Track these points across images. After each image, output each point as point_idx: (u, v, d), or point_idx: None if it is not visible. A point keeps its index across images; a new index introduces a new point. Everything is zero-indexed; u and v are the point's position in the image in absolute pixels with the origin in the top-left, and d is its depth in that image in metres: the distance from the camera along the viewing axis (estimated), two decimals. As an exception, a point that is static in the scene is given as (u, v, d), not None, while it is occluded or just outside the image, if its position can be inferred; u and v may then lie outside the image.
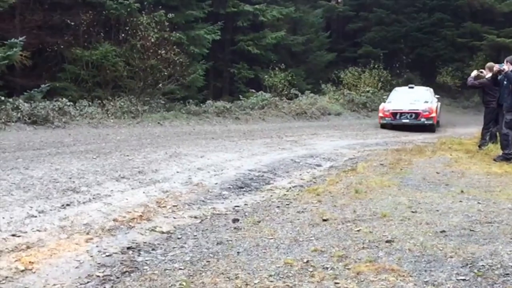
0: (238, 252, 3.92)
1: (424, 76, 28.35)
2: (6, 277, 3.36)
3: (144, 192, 5.94)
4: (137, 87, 18.20)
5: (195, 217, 5.07)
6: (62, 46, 16.90)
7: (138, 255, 3.87)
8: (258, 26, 24.14)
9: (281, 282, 3.33)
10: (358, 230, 4.49)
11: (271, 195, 6.18)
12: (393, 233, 4.38)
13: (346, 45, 30.98)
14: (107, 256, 3.84)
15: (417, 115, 16.42)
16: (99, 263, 3.70)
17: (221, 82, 24.31)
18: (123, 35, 18.13)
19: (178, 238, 4.33)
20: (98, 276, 3.46)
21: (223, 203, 5.75)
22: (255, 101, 20.12)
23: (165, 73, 18.23)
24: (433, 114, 16.48)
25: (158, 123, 15.51)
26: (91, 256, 3.83)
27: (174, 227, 4.70)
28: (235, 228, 4.64)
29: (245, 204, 5.68)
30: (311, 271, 3.51)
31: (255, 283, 3.30)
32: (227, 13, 22.46)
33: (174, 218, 5.01)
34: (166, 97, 18.87)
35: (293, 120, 19.16)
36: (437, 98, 18.15)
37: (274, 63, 23.32)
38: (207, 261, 3.72)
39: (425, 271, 3.53)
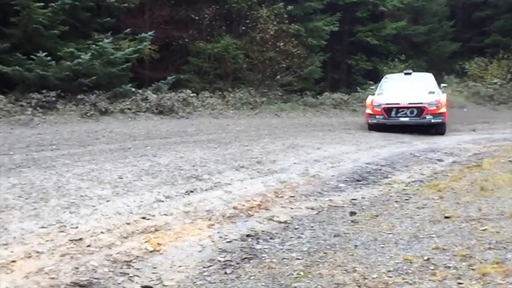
0: (355, 246, 3.89)
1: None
2: (137, 256, 3.62)
3: (262, 182, 6.08)
4: (256, 79, 18.61)
5: (312, 209, 5.10)
6: (186, 40, 17.76)
7: (257, 243, 3.98)
8: (378, 16, 23.55)
9: (400, 278, 3.26)
10: (483, 230, 4.25)
11: (389, 189, 6.04)
12: (523, 235, 4.09)
13: (471, 34, 29.10)
14: (227, 242, 4.00)
15: (420, 111, 12.01)
16: (220, 249, 3.85)
17: (339, 73, 24.11)
18: (243, 28, 18.61)
19: (295, 229, 4.39)
20: (220, 260, 3.61)
21: (339, 195, 5.72)
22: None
23: (283, 65, 18.47)
24: (443, 109, 12.09)
25: (276, 114, 15.76)
26: (213, 241, 4.00)
27: (291, 217, 4.76)
28: (352, 221, 4.61)
29: (362, 198, 5.61)
30: (432, 269, 3.40)
31: (373, 278, 3.26)
32: (346, 3, 22.16)
33: (291, 208, 5.08)
34: (284, 89, 19.12)
35: (413, 112, 18.47)
36: (444, 87, 14.11)
37: (394, 54, 22.69)
38: (324, 253, 3.74)
39: (560, 277, 3.27)
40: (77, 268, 3.31)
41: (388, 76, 15.06)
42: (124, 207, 4.71)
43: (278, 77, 18.54)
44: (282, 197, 5.47)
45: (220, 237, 4.10)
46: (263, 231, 4.30)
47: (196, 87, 17.02)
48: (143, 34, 14.99)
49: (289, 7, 18.93)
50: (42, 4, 12.48)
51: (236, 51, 18.23)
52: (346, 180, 6.42)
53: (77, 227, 4.08)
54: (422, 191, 5.89)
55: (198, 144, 8.78)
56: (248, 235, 4.16)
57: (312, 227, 4.43)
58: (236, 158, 7.48)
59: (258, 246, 3.91)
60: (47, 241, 3.75)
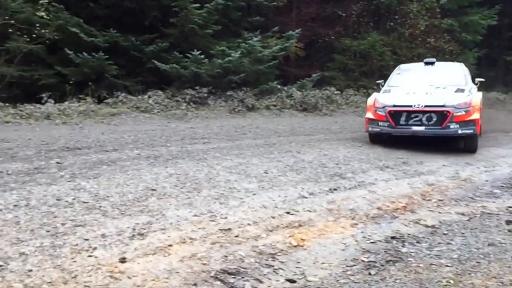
0: (512, 257, 3.61)
1: None
2: (281, 250, 3.70)
3: (408, 183, 5.90)
4: (403, 77, 18.00)
5: (463, 214, 4.82)
6: (332, 37, 17.71)
7: (402, 246, 3.86)
8: (546, 7, 21.54)
9: None
10: None
11: (553, 199, 5.50)
12: None
13: None
14: (371, 242, 3.93)
15: (441, 117, 8.20)
16: (363, 249, 3.80)
17: (495, 71, 22.46)
18: (391, 24, 18.12)
19: (444, 234, 4.18)
20: (363, 261, 3.56)
21: (494, 202, 5.33)
22: (536, 92, 18.13)
23: (433, 62, 17.64)
24: (475, 115, 8.26)
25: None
26: (356, 241, 3.95)
27: (440, 222, 4.54)
28: (509, 230, 4.27)
29: (521, 206, 5.18)
30: None
31: (533, 294, 3.01)
32: (507, -5, 20.57)
33: (439, 212, 4.84)
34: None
35: None
36: (479, 82, 9.71)
37: (562, 50, 20.57)
38: (477, 262, 3.51)
39: None
40: (226, 256, 3.48)
41: (401, 66, 11.01)
42: (270, 201, 4.85)
43: (427, 74, 17.76)
44: (429, 200, 5.25)
45: (364, 237, 4.04)
46: (409, 234, 4.15)
47: (340, 84, 16.95)
48: (290, 32, 15.24)
49: (442, 1, 18.04)
50: (198, 5, 13.24)
51: (383, 48, 17.80)
52: (502, 186, 5.97)
53: (226, 218, 4.29)
54: None
55: (341, 142, 8.75)
56: (393, 237, 4.05)
57: (463, 233, 4.18)
58: (381, 158, 7.34)
59: (403, 249, 3.79)
60: (199, 228, 4.00)
